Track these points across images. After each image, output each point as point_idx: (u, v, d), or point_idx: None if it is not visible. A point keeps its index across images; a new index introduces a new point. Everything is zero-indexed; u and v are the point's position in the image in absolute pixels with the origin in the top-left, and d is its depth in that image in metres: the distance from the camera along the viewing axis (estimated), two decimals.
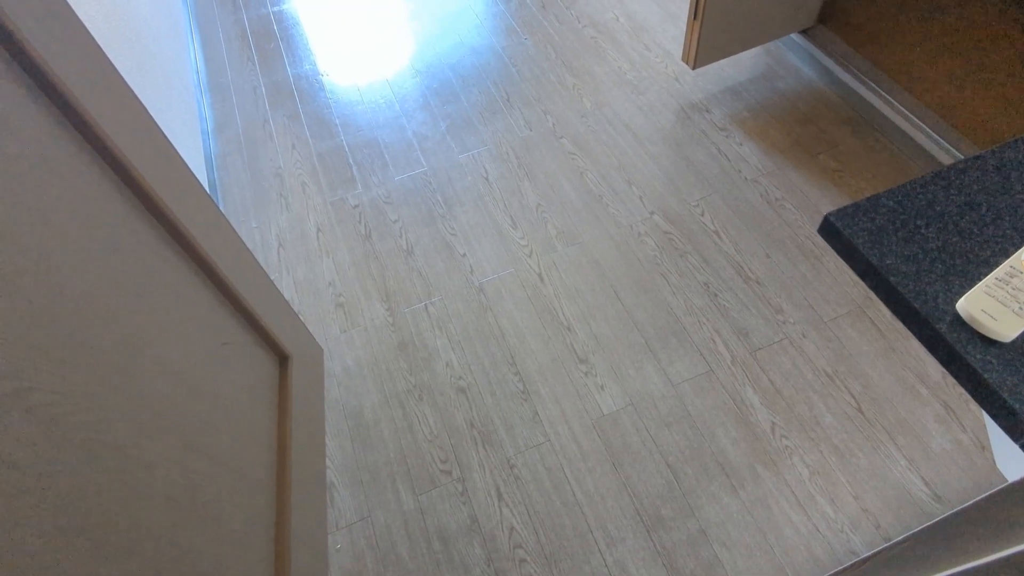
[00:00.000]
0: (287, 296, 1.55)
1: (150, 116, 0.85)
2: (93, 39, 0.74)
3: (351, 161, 1.81)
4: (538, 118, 1.86)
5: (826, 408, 1.28)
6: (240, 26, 2.26)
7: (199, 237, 0.89)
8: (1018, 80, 1.67)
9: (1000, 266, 0.58)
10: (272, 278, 1.44)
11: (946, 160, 1.60)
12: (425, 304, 1.50)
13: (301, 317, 1.51)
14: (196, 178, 0.95)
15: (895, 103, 1.67)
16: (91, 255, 0.65)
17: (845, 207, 0.65)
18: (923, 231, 0.62)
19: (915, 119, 1.63)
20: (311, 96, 2.00)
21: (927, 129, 1.61)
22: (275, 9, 2.31)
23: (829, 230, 0.65)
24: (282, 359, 1.17)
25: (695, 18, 1.69)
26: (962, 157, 1.56)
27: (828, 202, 1.60)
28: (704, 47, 1.75)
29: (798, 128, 1.76)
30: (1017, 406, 0.51)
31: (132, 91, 0.81)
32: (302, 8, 2.31)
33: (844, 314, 1.41)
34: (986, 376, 0.52)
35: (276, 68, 2.10)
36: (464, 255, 1.59)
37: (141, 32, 1.65)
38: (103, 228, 0.69)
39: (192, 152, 1.71)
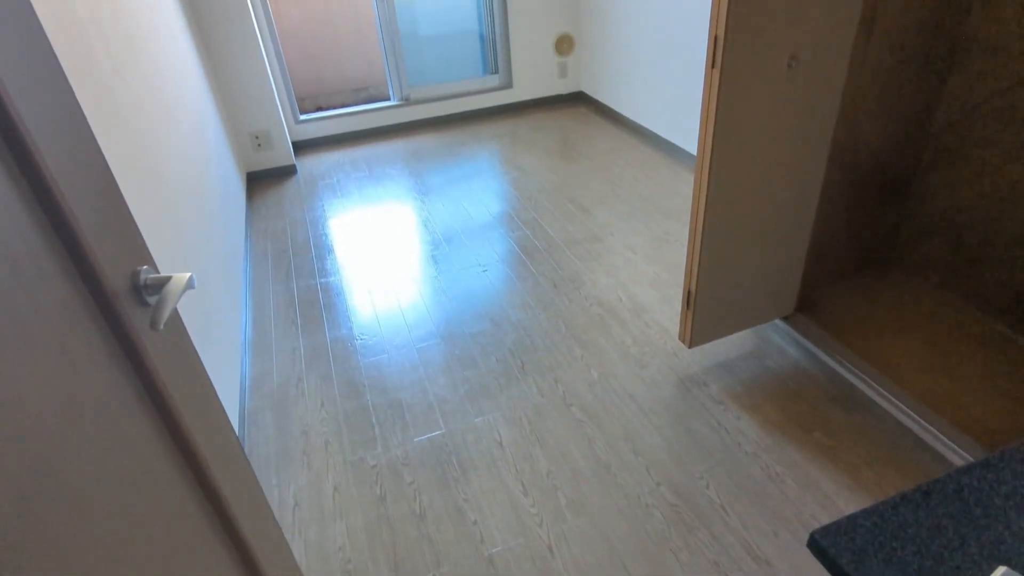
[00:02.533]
0: (296, 557, 1.54)
1: (212, 387, 0.99)
2: (180, 319, 0.91)
3: (374, 421, 1.94)
4: (550, 386, 2.03)
5: None
6: (289, 294, 2.59)
7: (232, 502, 0.97)
8: (989, 370, 1.85)
9: None
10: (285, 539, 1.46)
11: (931, 441, 1.70)
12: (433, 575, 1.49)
13: None
14: (239, 444, 1.06)
15: (875, 386, 1.83)
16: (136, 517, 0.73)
17: (828, 526, 0.74)
18: (899, 553, 0.70)
19: (895, 402, 1.78)
20: (344, 358, 2.21)
21: (908, 412, 1.74)
22: (322, 280, 2.66)
23: (816, 548, 0.73)
24: None
25: (687, 307, 1.95)
26: (945, 440, 1.66)
27: (828, 479, 1.66)
28: (697, 331, 1.98)
29: (790, 404, 1.90)
30: None
31: (200, 361, 0.97)
32: (346, 280, 2.66)
33: None
34: None
35: (316, 332, 2.35)
36: (475, 522, 1.61)
37: (208, 304, 1.91)
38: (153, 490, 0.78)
39: (229, 407, 1.85)
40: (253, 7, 3.43)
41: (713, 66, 1.57)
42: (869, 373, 1.86)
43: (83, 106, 1.24)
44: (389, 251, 2.87)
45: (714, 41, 1.54)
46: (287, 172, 3.73)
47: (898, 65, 1.91)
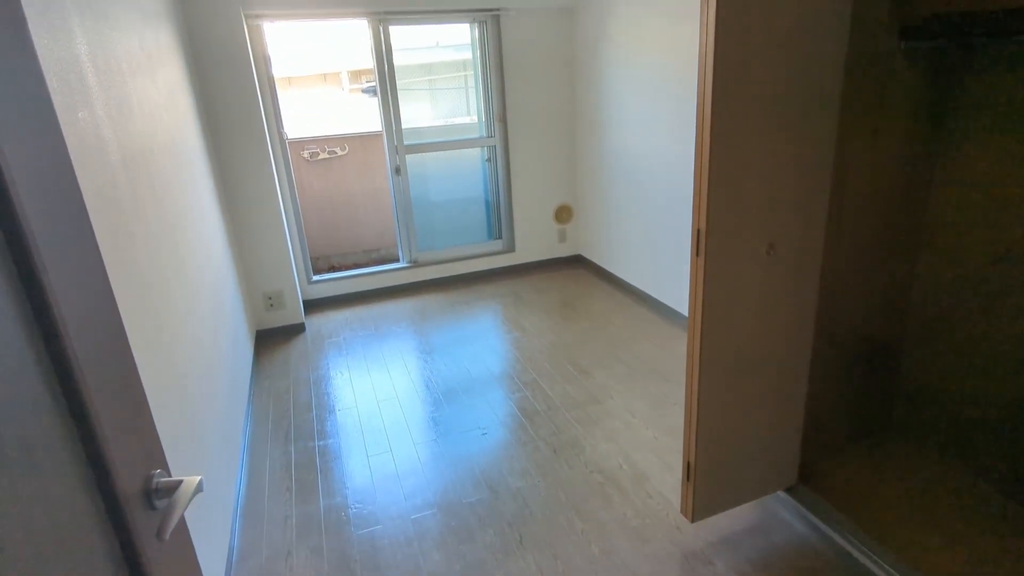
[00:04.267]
0: None
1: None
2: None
3: None
4: (548, 563, 1.95)
5: None
6: (286, 458, 2.57)
7: None
8: (1000, 547, 1.78)
9: None
10: None
11: None
12: None
13: None
14: None
15: (884, 565, 1.75)
16: None
17: None
18: None
19: None
20: (337, 529, 2.14)
21: None
22: (321, 443, 2.66)
23: None
24: None
25: (688, 480, 1.92)
26: None
27: None
28: (699, 504, 1.94)
29: None
30: None
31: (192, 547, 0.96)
32: (345, 443, 2.65)
33: None
34: None
35: (310, 499, 2.30)
36: None
37: (205, 471, 1.90)
38: None
39: None
40: (279, 181, 3.77)
41: (698, 254, 1.71)
42: (878, 551, 1.79)
43: (114, 287, 1.35)
44: (390, 412, 2.89)
45: (697, 233, 1.69)
46: (296, 330, 3.85)
47: (870, 248, 2.07)
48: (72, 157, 0.80)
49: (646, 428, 2.62)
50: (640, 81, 3.63)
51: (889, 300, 2.19)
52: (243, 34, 3.28)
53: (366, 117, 8.66)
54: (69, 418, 0.65)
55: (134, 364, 0.82)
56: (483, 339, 3.62)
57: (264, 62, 3.62)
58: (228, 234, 3.31)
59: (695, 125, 1.66)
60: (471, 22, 4.16)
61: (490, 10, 4.03)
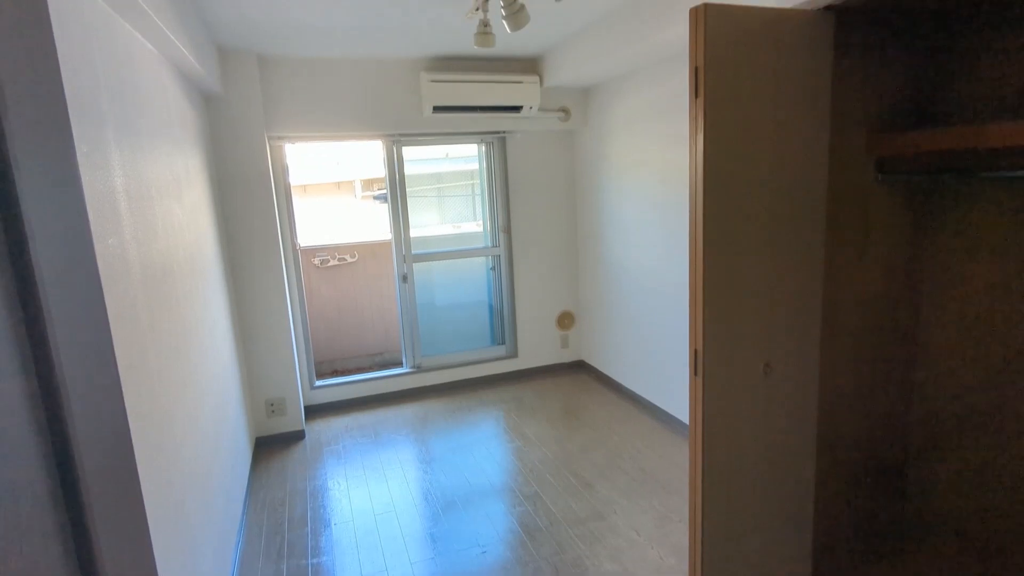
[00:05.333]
0: None
1: None
2: None
3: None
4: None
5: None
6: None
7: None
8: None
9: None
10: None
11: None
12: None
13: None
14: None
15: None
16: None
17: None
18: None
19: None
20: None
21: None
22: (314, 561, 2.56)
23: None
24: None
25: None
26: None
27: None
28: None
29: None
30: None
31: None
32: (339, 561, 2.56)
33: None
34: None
35: None
36: None
37: None
38: None
39: None
40: (290, 289, 3.88)
41: (696, 374, 1.75)
42: None
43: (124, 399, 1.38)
44: (387, 527, 2.80)
45: (694, 354, 1.74)
46: (295, 437, 3.81)
47: (866, 365, 2.10)
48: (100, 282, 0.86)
49: (651, 547, 2.53)
50: (637, 197, 3.83)
51: (891, 417, 2.19)
52: (265, 154, 3.52)
53: (376, 222, 9.01)
54: (71, 540, 0.67)
55: (138, 483, 0.83)
56: (484, 447, 3.57)
57: (282, 172, 3.85)
58: (236, 341, 3.37)
59: (688, 246, 1.75)
60: (479, 142, 4.45)
61: (496, 132, 4.32)
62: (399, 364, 4.64)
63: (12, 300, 0.60)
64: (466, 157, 4.80)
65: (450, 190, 5.26)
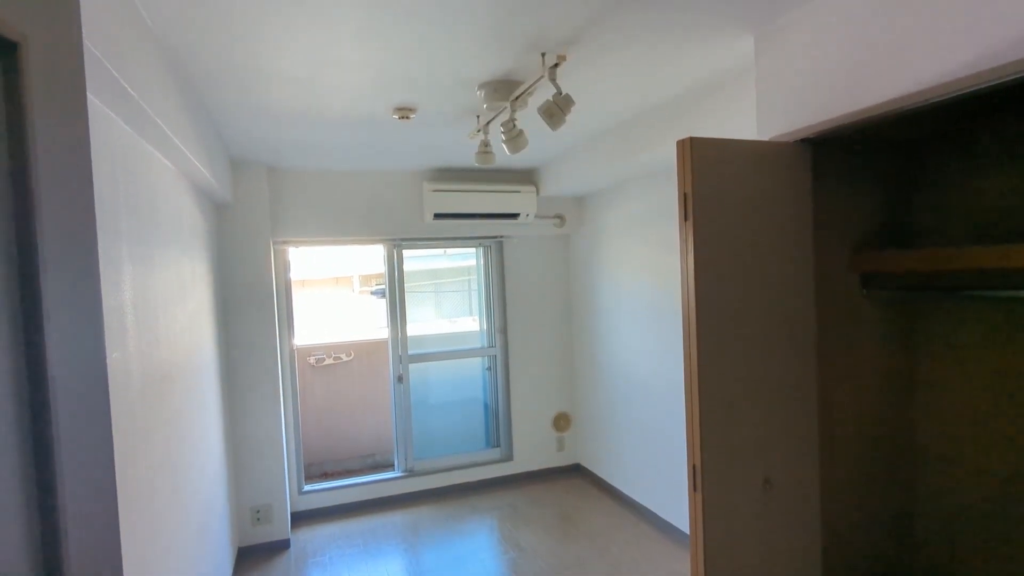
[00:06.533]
0: None
1: None
2: None
3: None
4: None
5: None
6: None
7: None
8: None
9: None
10: None
11: None
12: None
13: None
14: None
15: None
16: None
17: None
18: None
19: None
20: None
21: None
22: None
23: None
24: None
25: None
26: None
27: None
28: None
29: None
30: None
31: None
32: None
33: None
34: None
35: None
36: None
37: None
38: None
39: None
40: (283, 391, 3.85)
41: (695, 489, 1.72)
42: None
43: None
44: None
45: (693, 469, 1.73)
46: (280, 547, 3.64)
47: (865, 479, 2.07)
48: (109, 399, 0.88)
49: None
50: (630, 300, 3.91)
51: (895, 532, 2.14)
52: (269, 259, 3.62)
53: (373, 317, 9.07)
54: None
55: None
56: (478, 560, 3.41)
57: (284, 270, 3.94)
58: (227, 445, 3.30)
59: (682, 351, 1.78)
60: (477, 246, 4.59)
61: (494, 237, 4.47)
62: (391, 466, 4.52)
63: (24, 418, 0.63)
64: (463, 253, 4.93)
65: (447, 285, 5.36)
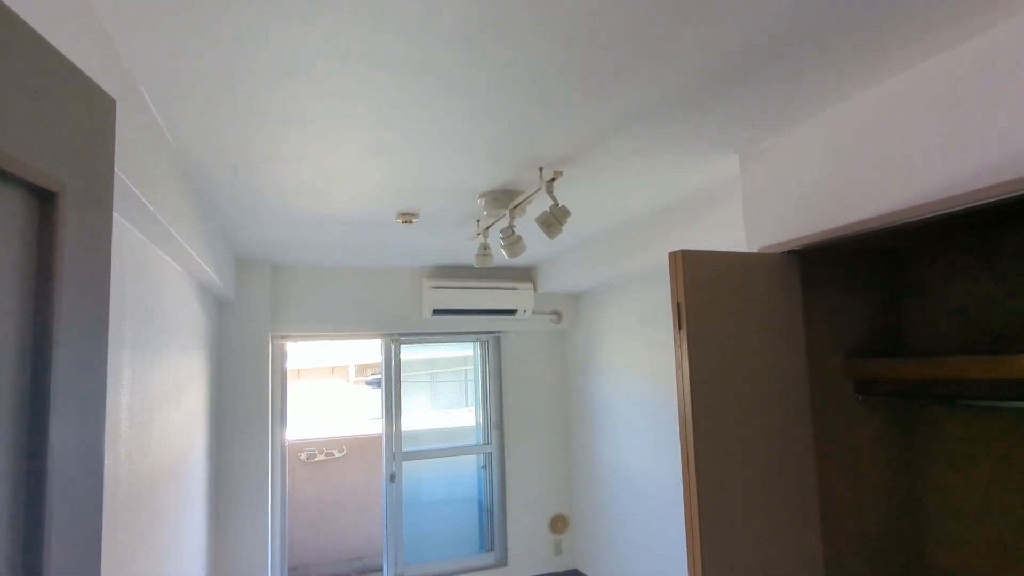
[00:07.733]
0: None
1: None
2: None
3: None
4: None
5: None
6: None
7: None
8: None
9: None
10: None
11: None
12: None
13: None
14: None
15: None
16: None
17: None
18: None
19: None
20: None
21: None
22: None
23: None
24: None
25: None
26: None
27: None
28: None
29: None
30: None
31: None
32: None
33: None
34: None
35: None
36: None
37: None
38: None
39: None
40: (272, 489, 3.73)
41: None
42: None
43: None
44: None
45: (693, 552, 1.67)
46: None
47: None
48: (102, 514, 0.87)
49: None
50: (627, 398, 3.88)
51: None
52: (267, 354, 3.62)
53: (368, 407, 8.93)
54: None
55: None
56: None
57: (281, 360, 3.93)
58: (209, 550, 3.16)
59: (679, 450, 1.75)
60: (475, 341, 4.62)
61: (492, 332, 4.51)
62: (379, 570, 4.30)
63: (19, 525, 0.64)
64: (460, 344, 4.94)
65: (443, 375, 5.32)
